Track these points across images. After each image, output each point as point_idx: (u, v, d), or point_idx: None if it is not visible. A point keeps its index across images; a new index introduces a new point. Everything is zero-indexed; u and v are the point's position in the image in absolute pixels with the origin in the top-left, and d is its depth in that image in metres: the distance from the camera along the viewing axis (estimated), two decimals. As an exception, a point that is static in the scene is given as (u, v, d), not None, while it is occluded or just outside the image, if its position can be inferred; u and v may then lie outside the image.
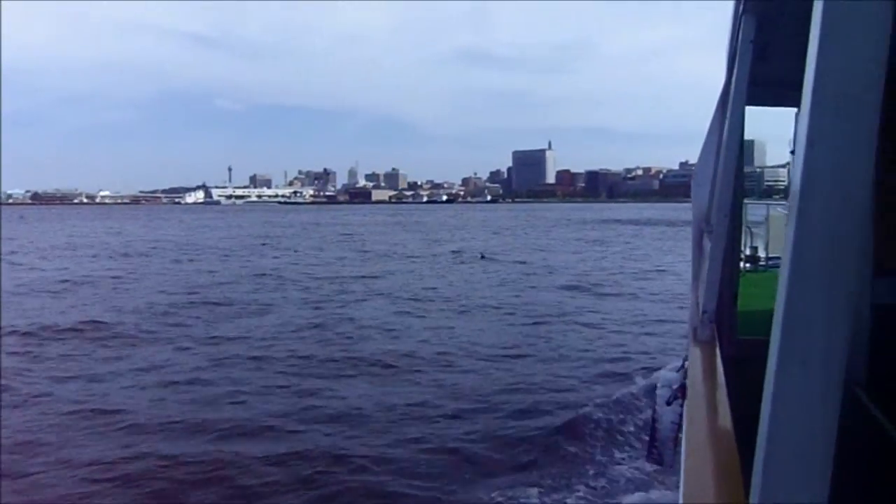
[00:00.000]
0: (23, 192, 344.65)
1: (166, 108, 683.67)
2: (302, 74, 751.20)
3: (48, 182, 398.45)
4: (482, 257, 38.75)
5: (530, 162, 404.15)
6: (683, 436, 2.96)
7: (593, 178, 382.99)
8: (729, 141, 3.78)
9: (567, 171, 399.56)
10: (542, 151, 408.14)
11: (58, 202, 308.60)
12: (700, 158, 5.01)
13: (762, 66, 4.20)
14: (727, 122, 3.85)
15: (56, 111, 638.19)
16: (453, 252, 42.86)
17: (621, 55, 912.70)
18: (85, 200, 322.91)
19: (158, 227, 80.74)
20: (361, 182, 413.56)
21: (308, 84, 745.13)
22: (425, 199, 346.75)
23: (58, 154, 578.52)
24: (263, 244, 51.95)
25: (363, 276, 29.94)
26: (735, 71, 3.59)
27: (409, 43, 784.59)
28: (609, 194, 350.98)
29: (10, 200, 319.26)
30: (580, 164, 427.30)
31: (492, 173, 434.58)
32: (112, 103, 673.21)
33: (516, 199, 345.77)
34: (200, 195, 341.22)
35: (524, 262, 35.76)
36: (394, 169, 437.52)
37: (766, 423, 0.91)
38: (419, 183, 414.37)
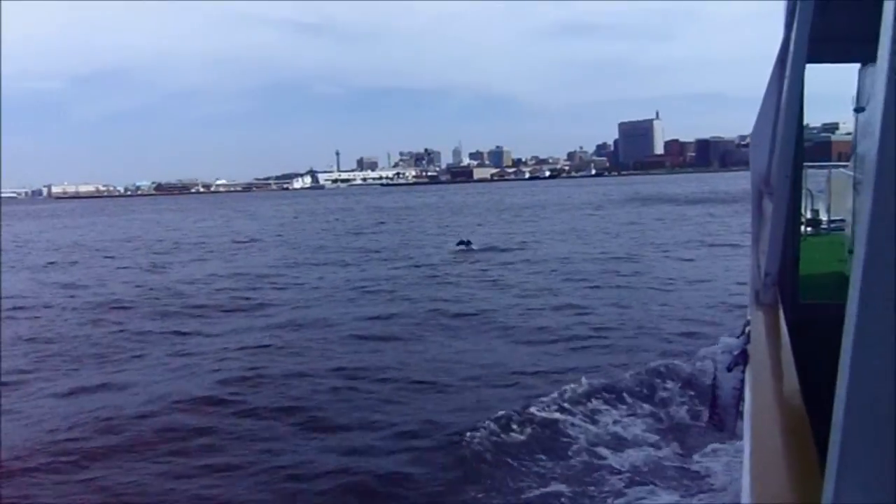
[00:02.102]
0: (149, 183, 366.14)
1: (272, 97, 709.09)
2: (401, 56, 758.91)
3: (170, 173, 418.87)
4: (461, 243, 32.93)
5: (637, 133, 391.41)
6: (749, 400, 2.89)
7: (704, 146, 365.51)
8: (789, 100, 3.63)
9: (676, 141, 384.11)
10: (650, 122, 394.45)
11: (177, 192, 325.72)
12: (758, 120, 4.81)
13: (823, 20, 3.99)
14: (787, 81, 3.69)
15: (173, 105, 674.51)
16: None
17: (729, 15, 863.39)
18: (202, 189, 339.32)
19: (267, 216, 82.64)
20: (465, 161, 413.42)
21: (408, 65, 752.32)
22: (527, 175, 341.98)
23: (177, 146, 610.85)
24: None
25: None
26: (795, 26, 3.53)
27: (509, 18, 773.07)
28: (721, 163, 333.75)
29: (139, 192, 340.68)
30: (690, 133, 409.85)
31: (598, 146, 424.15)
32: (224, 95, 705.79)
33: (623, 172, 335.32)
34: (308, 180, 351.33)
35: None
36: (497, 146, 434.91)
37: (844, 396, 0.90)
38: (523, 159, 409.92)
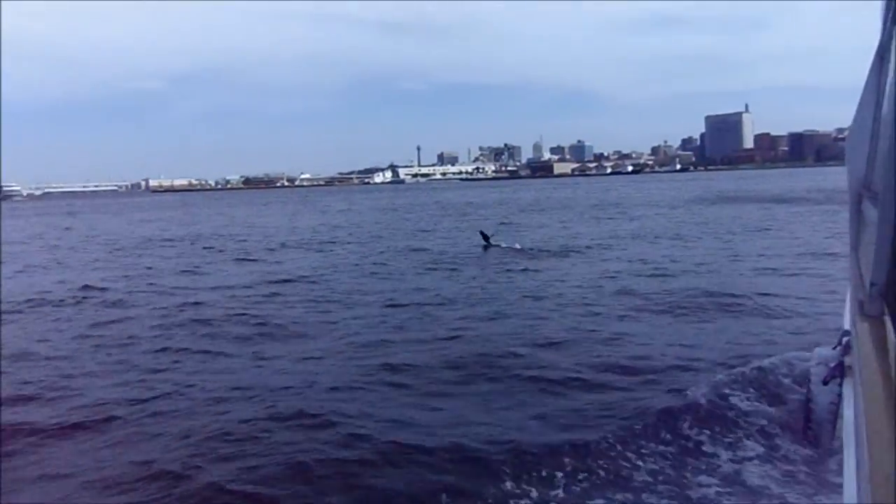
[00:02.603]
0: (238, 177, 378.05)
1: (358, 93, 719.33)
2: (483, 52, 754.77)
3: (258, 167, 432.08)
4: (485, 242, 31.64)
5: (725, 127, 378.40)
6: (853, 416, 2.77)
7: (797, 140, 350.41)
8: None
9: (766, 135, 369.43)
10: (738, 115, 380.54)
11: (263, 186, 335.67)
12: (856, 117, 4.59)
13: None
14: (891, 74, 3.38)
15: (263, 103, 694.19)
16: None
17: (824, 5, 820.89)
18: (286, 183, 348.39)
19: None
20: (546, 156, 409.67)
21: (490, 61, 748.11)
22: (609, 170, 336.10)
23: (266, 142, 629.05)
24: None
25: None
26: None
27: (592, 11, 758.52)
28: (817, 157, 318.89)
29: (229, 186, 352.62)
30: (781, 127, 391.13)
31: (683, 141, 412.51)
32: (312, 93, 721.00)
33: (709, 167, 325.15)
34: (388, 175, 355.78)
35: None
36: (579, 141, 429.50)
37: None
38: (605, 154, 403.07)
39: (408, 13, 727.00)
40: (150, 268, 28.67)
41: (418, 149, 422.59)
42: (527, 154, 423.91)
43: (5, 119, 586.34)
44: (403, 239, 38.97)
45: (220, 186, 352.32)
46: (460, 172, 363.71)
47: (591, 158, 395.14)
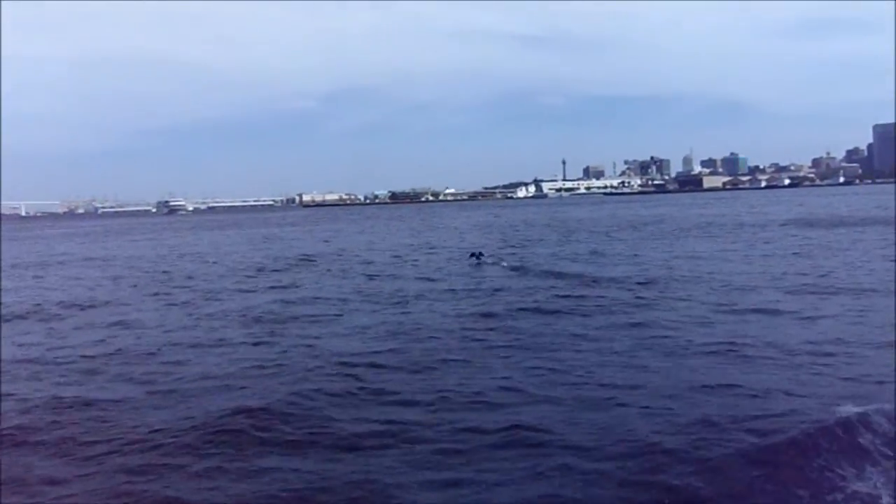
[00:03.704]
0: (385, 192, 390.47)
1: (500, 108, 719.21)
2: (628, 64, 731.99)
3: (404, 182, 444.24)
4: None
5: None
6: None
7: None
8: None
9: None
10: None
11: (408, 200, 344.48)
12: None
13: None
14: None
15: (409, 119, 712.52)
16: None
17: None
18: (430, 198, 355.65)
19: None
20: (696, 169, 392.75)
21: (635, 73, 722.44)
22: (763, 184, 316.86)
23: (411, 157, 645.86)
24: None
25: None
26: None
27: (743, 17, 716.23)
28: None
29: (377, 200, 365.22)
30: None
31: (848, 152, 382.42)
32: (455, 108, 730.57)
33: (877, 180, 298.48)
34: (532, 189, 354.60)
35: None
36: (732, 153, 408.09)
37: None
38: (761, 167, 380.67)
39: (549, 27, 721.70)
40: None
41: (563, 163, 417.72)
42: (676, 167, 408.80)
43: (172, 139, 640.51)
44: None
45: (368, 201, 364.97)
46: (605, 186, 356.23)
47: (746, 172, 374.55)
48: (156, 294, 27.29)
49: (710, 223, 62.99)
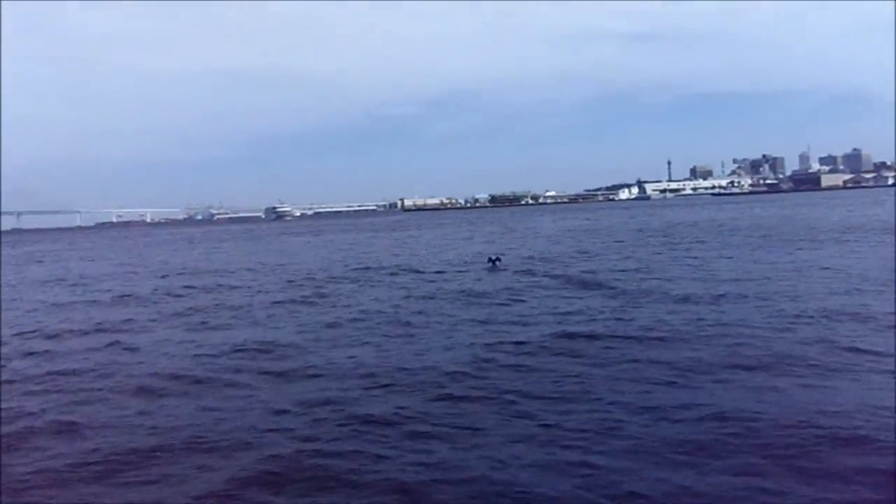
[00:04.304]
0: (486, 195, 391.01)
1: (601, 109, 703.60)
2: (736, 59, 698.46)
3: (505, 185, 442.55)
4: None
5: None
6: None
7: None
8: None
9: None
10: None
11: (508, 203, 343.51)
12: None
13: None
14: None
15: (509, 122, 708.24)
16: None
17: None
18: (530, 201, 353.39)
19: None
20: (815, 167, 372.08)
21: (744, 68, 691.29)
22: (891, 181, 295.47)
23: (512, 160, 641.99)
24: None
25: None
26: None
27: (864, 6, 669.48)
28: None
29: (477, 204, 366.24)
30: None
31: None
32: (555, 110, 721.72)
33: None
34: (634, 191, 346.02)
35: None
36: (854, 149, 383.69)
37: None
38: (887, 163, 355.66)
39: (653, 23, 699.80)
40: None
41: (668, 163, 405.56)
42: (791, 165, 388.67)
43: (280, 147, 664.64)
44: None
45: (468, 205, 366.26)
46: (713, 187, 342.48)
47: (870, 168, 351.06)
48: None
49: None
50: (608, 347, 15.56)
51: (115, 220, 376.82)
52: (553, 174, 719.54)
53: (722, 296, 21.84)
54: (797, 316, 18.07)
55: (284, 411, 11.94)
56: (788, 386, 11.99)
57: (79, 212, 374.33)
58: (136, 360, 16.95)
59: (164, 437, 10.90)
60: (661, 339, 16.08)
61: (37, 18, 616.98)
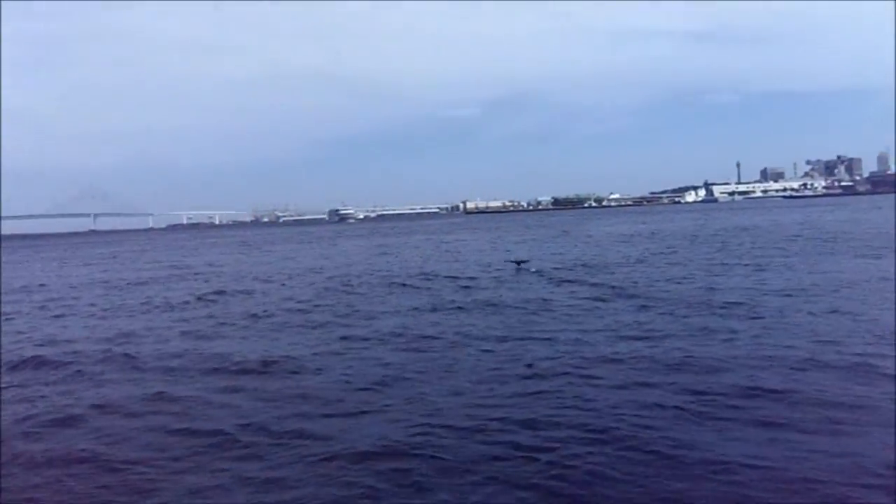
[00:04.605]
0: (548, 198, 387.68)
1: (666, 109, 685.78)
2: (809, 56, 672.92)
3: (568, 188, 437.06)
4: None
5: None
6: None
7: None
8: None
9: None
10: None
11: (570, 206, 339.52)
12: None
13: None
14: None
15: (571, 123, 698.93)
16: None
17: None
18: (593, 204, 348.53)
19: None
20: (894, 168, 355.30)
21: (819, 66, 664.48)
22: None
23: (574, 162, 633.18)
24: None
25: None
26: None
27: None
28: None
29: (540, 206, 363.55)
30: None
31: None
32: (618, 111, 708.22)
33: None
34: (701, 193, 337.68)
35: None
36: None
37: None
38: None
39: (719, 21, 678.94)
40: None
41: (737, 165, 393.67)
42: (869, 167, 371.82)
43: (342, 150, 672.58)
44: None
45: (531, 207, 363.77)
46: (784, 189, 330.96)
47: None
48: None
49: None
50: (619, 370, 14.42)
51: (185, 221, 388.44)
52: (617, 176, 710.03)
53: (760, 317, 19.52)
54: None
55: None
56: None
57: (151, 214, 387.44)
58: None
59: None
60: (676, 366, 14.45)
61: (107, 22, 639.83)
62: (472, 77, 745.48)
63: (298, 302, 27.90)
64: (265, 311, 25.56)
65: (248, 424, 11.59)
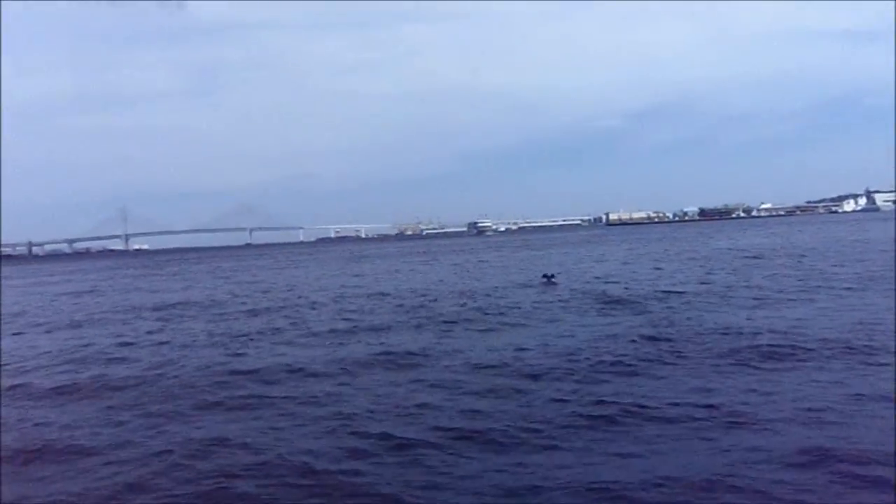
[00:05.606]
0: (695, 209, 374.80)
1: (821, 114, 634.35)
2: None
3: (716, 198, 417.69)
4: None
5: None
6: None
7: None
8: None
9: None
10: None
11: (718, 217, 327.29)
12: None
13: None
14: None
15: (718, 132, 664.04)
16: None
17: None
18: (742, 214, 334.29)
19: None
20: None
21: None
22: None
23: (723, 171, 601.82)
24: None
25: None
26: None
27: None
28: None
29: (686, 218, 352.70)
30: None
31: None
32: (770, 117, 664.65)
33: None
34: (862, 202, 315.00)
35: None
36: None
37: None
38: None
39: (879, 20, 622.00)
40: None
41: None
42: None
43: (483, 163, 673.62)
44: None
45: (676, 218, 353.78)
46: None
47: None
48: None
49: None
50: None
51: (333, 235, 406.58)
52: (769, 185, 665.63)
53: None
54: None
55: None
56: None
57: (301, 228, 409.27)
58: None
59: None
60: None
61: (258, 46, 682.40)
62: (616, 87, 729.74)
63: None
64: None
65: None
